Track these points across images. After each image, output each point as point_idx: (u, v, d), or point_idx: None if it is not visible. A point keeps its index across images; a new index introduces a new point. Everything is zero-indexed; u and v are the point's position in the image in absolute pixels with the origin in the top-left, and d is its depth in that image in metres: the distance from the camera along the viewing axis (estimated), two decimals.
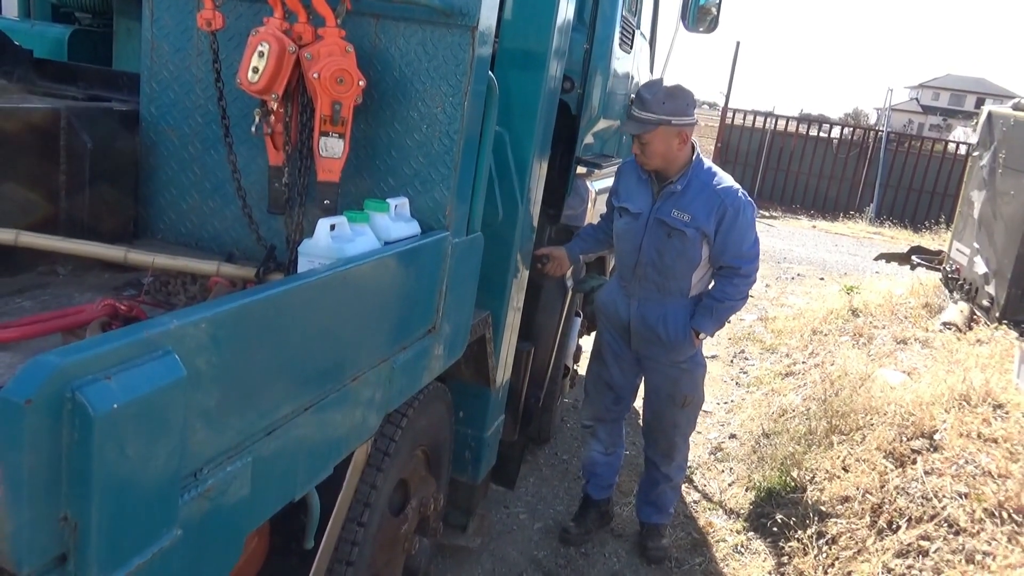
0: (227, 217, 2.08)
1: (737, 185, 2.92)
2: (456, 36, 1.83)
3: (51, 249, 1.75)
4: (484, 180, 2.15)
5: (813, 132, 17.17)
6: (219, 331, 1.09)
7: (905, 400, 3.65)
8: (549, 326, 3.59)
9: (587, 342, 5.53)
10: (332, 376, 1.46)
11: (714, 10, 4.90)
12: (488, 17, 1.87)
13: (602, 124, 3.81)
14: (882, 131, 16.72)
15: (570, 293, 3.74)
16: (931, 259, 6.61)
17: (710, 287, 3.06)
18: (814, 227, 14.64)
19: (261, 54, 1.73)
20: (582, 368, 5.45)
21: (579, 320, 4.24)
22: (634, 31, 3.95)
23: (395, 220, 1.75)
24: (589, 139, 3.68)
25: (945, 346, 4.79)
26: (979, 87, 59.24)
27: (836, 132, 17.89)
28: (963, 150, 16.22)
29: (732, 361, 6.04)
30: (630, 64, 4.09)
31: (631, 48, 3.96)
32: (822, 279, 9.66)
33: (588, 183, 3.58)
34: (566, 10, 2.71)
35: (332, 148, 1.80)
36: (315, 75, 1.73)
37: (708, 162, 3.02)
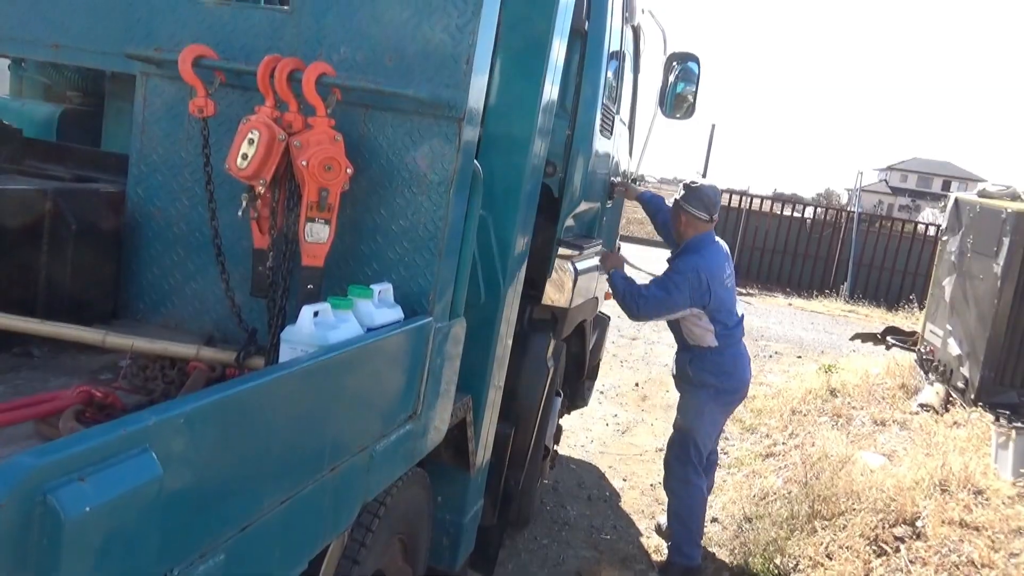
0: (209, 299, 2.07)
1: (695, 260, 3.70)
2: (443, 127, 1.88)
3: (28, 331, 1.73)
4: (468, 265, 2.17)
5: (787, 212, 17.62)
6: (198, 426, 1.08)
7: (886, 485, 3.64)
8: (530, 407, 3.57)
9: (568, 422, 5.51)
10: (311, 467, 1.44)
11: (691, 97, 5.07)
12: (475, 108, 1.93)
13: (583, 207, 3.89)
14: (854, 211, 17.17)
15: (551, 372, 3.73)
16: (905, 340, 6.71)
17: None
18: (790, 304, 14.84)
19: (251, 141, 1.76)
20: (563, 448, 5.40)
21: (559, 400, 4.22)
22: (614, 117, 4.09)
23: (379, 306, 1.75)
24: (570, 221, 3.74)
25: (923, 428, 4.81)
26: (945, 170, 61.36)
27: (809, 212, 18.36)
28: (932, 231, 16.71)
29: None
30: (611, 148, 4.21)
31: (611, 133, 4.08)
32: (800, 357, 9.73)
33: (571, 264, 3.62)
34: (549, 95, 2.80)
35: (318, 233, 1.81)
36: (304, 163, 1.76)
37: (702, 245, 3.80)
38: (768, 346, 10.37)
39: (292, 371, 1.31)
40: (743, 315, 3.94)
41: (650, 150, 5.29)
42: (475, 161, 2.05)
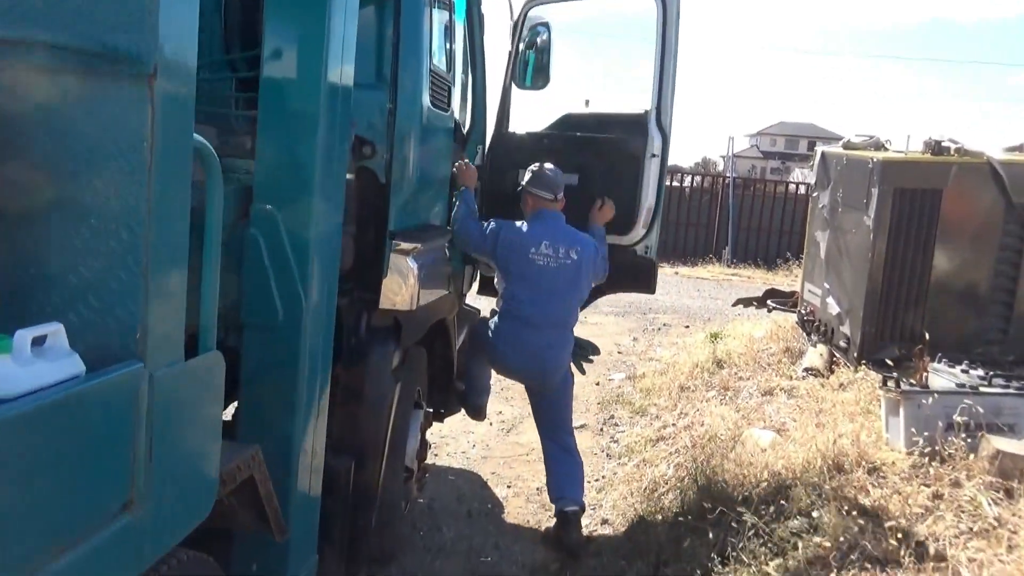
0: None
1: (510, 221, 3.85)
2: (125, 90, 1.30)
3: None
4: (214, 278, 1.61)
5: (667, 182, 17.69)
6: None
7: (778, 467, 3.33)
8: (373, 432, 3.04)
9: (447, 425, 5.00)
10: None
11: (544, 66, 4.64)
12: (178, 61, 1.36)
13: (422, 192, 3.37)
14: (729, 177, 17.47)
15: (399, 387, 3.21)
16: (785, 301, 6.58)
17: None
18: (676, 273, 14.90)
19: None
20: (441, 457, 4.88)
21: (420, 413, 3.70)
22: (450, 87, 3.57)
23: (29, 361, 1.16)
24: (410, 210, 3.22)
25: (810, 394, 4.60)
26: (810, 131, 64.56)
27: (688, 180, 18.56)
28: (803, 189, 17.36)
29: (602, 429, 5.66)
30: (452, 123, 3.70)
31: (449, 107, 3.56)
32: (687, 327, 9.63)
33: (410, 260, 3.10)
34: (341, 58, 2.26)
35: None
36: None
37: None
38: (657, 319, 10.23)
39: None
40: (549, 307, 3.77)
41: (515, 124, 4.80)
42: (198, 137, 1.48)
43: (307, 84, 2.16)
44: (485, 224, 3.80)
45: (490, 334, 3.89)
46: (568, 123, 4.53)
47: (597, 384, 6.92)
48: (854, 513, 2.65)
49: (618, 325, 9.72)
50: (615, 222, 4.08)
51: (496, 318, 3.90)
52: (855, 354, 4.84)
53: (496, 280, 3.98)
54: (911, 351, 4.67)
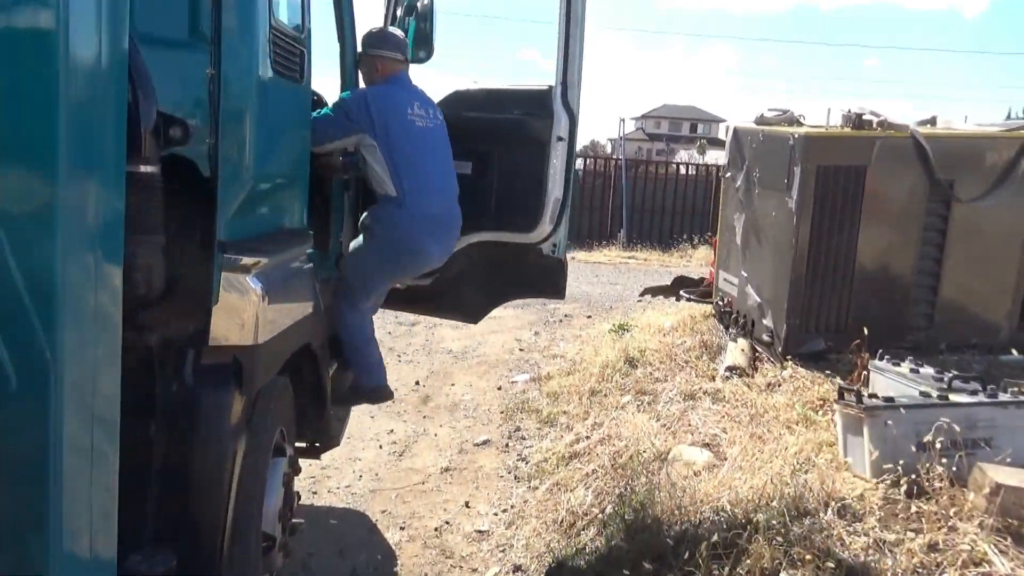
0: None
1: (367, 89, 3.40)
2: None
3: None
4: None
5: None
6: None
7: (720, 500, 2.78)
8: (207, 511, 2.26)
9: (330, 453, 4.23)
10: None
11: (425, 35, 3.94)
12: None
13: (268, 186, 2.59)
14: (620, 159, 17.26)
15: (246, 439, 2.44)
16: (697, 290, 6.15)
17: None
18: (573, 258, 14.45)
19: None
20: (321, 495, 4.05)
21: (282, 462, 2.92)
22: (304, 52, 2.77)
23: None
24: (250, 211, 2.44)
25: (737, 398, 4.12)
26: (692, 114, 66.68)
27: (580, 164, 18.23)
28: (692, 171, 17.61)
29: (507, 445, 5.02)
30: (309, 98, 2.92)
31: (303, 75, 2.77)
32: (590, 317, 9.13)
33: (251, 279, 2.32)
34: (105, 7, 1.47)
35: None
36: None
37: None
38: (557, 309, 9.69)
39: None
40: (453, 192, 3.43)
41: None
42: None
43: (36, 40, 1.35)
44: (339, 106, 3.30)
45: (401, 246, 3.36)
46: (458, 101, 3.85)
47: (499, 388, 6.30)
48: None
49: (517, 319, 9.11)
50: (516, 217, 3.45)
51: (392, 230, 3.33)
52: (779, 349, 4.42)
53: (377, 182, 3.33)
54: (838, 344, 4.29)
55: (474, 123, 3.70)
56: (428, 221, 3.32)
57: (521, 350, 7.69)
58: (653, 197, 17.02)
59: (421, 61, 3.93)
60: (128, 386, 2.03)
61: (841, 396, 2.91)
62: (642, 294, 7.03)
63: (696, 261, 14.96)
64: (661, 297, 6.77)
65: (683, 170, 18.06)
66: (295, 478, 3.12)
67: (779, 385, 4.10)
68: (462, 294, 3.95)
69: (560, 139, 3.45)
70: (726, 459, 3.23)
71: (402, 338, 7.80)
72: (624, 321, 7.64)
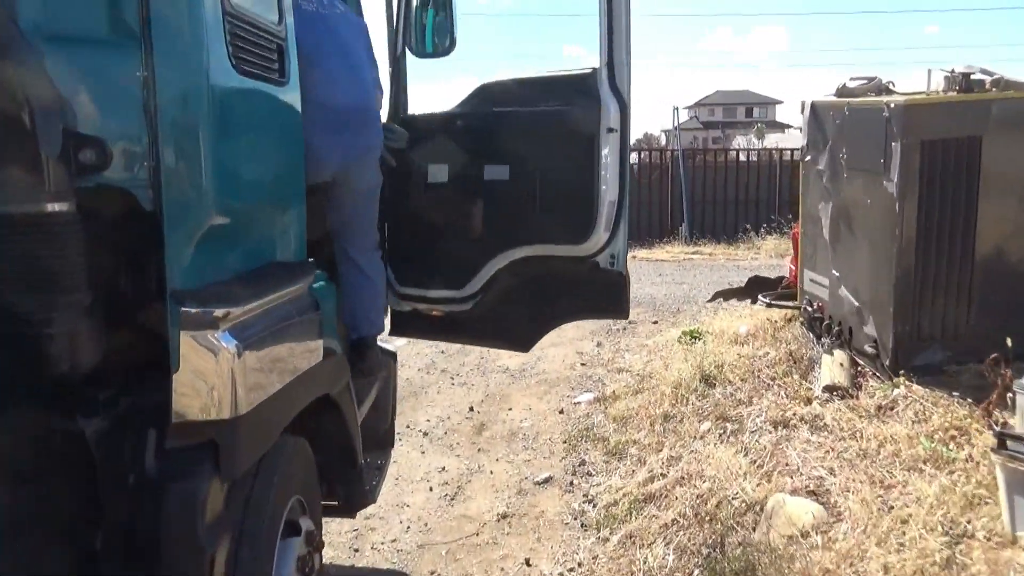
0: None
1: None
2: None
3: None
4: None
5: None
6: None
7: None
8: None
9: (359, 518, 3.75)
10: None
11: (446, 26, 3.45)
12: None
13: (245, 211, 2.08)
14: (677, 150, 16.49)
15: (231, 532, 1.94)
16: (776, 293, 5.44)
17: None
18: (634, 257, 13.78)
19: None
20: (363, 552, 3.53)
21: (295, 542, 2.40)
22: (283, 47, 2.25)
23: None
24: (216, 249, 1.94)
25: (842, 427, 3.44)
26: (745, 98, 64.79)
27: (634, 158, 17.51)
28: (753, 156, 17.08)
29: (572, 483, 4.43)
30: (293, 100, 2.39)
31: (285, 74, 2.25)
32: (656, 323, 8.46)
33: (221, 336, 1.81)
34: None
35: None
36: None
37: None
38: None
39: None
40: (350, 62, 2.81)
41: (417, 105, 3.52)
42: None
43: None
44: None
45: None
46: (487, 96, 3.32)
47: (561, 412, 5.72)
48: None
49: (578, 328, 8.47)
50: (565, 226, 2.92)
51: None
52: (887, 362, 3.71)
53: None
54: (958, 353, 3.57)
55: (507, 120, 3.17)
56: (326, 134, 2.67)
57: (583, 364, 7.10)
58: (713, 187, 16.23)
59: (444, 54, 3.43)
60: (61, 490, 1.55)
61: (1002, 444, 2.22)
62: (713, 298, 6.36)
63: (765, 253, 14.09)
64: (736, 301, 6.05)
65: (742, 156, 17.15)
66: (319, 554, 2.61)
67: (892, 409, 3.41)
68: (508, 319, 3.43)
69: (611, 130, 2.89)
70: (841, 516, 2.58)
71: (455, 357, 7.28)
72: (694, 327, 6.97)
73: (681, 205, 15.79)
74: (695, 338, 6.71)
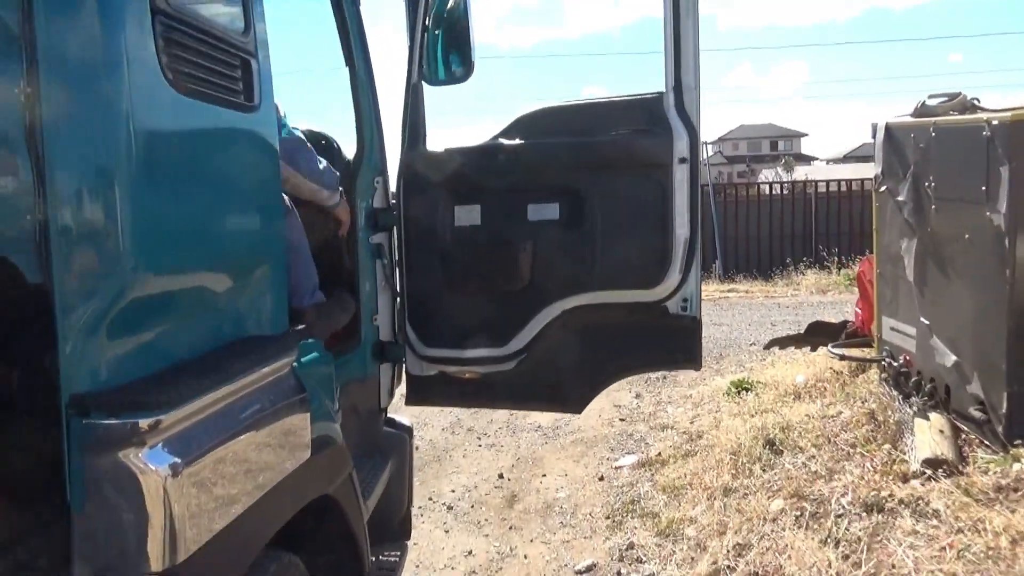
0: None
1: None
2: None
3: None
4: None
5: None
6: None
7: None
8: None
9: None
10: None
11: (465, 49, 2.99)
12: None
13: (192, 274, 1.56)
14: (707, 185, 15.97)
15: None
16: (838, 337, 4.81)
17: None
18: None
19: None
20: None
21: None
22: (250, 62, 1.74)
23: None
24: (157, 323, 1.42)
25: (956, 515, 2.80)
26: (769, 131, 64.46)
27: None
28: (778, 189, 16.61)
29: (619, 573, 3.80)
30: (264, 130, 1.86)
31: (253, 96, 1.73)
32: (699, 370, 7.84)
33: (144, 456, 1.27)
34: None
35: None
36: None
37: None
38: None
39: None
40: None
41: (436, 136, 3.07)
42: None
43: None
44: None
45: None
46: (529, 126, 2.88)
47: (601, 479, 5.09)
48: None
49: None
50: (632, 270, 2.47)
51: None
52: (1001, 429, 3.07)
53: None
54: None
55: (562, 152, 2.73)
56: None
57: (622, 420, 6.47)
58: (746, 222, 15.78)
59: (460, 80, 2.96)
60: None
61: None
62: (768, 345, 5.73)
63: (805, 289, 13.42)
64: (792, 349, 5.42)
65: (773, 190, 16.61)
66: None
67: (1016, 491, 2.77)
68: (556, 377, 2.93)
69: (683, 160, 2.45)
70: None
71: (482, 414, 6.68)
72: (742, 376, 6.34)
73: (713, 241, 15.25)
74: (745, 389, 6.09)
